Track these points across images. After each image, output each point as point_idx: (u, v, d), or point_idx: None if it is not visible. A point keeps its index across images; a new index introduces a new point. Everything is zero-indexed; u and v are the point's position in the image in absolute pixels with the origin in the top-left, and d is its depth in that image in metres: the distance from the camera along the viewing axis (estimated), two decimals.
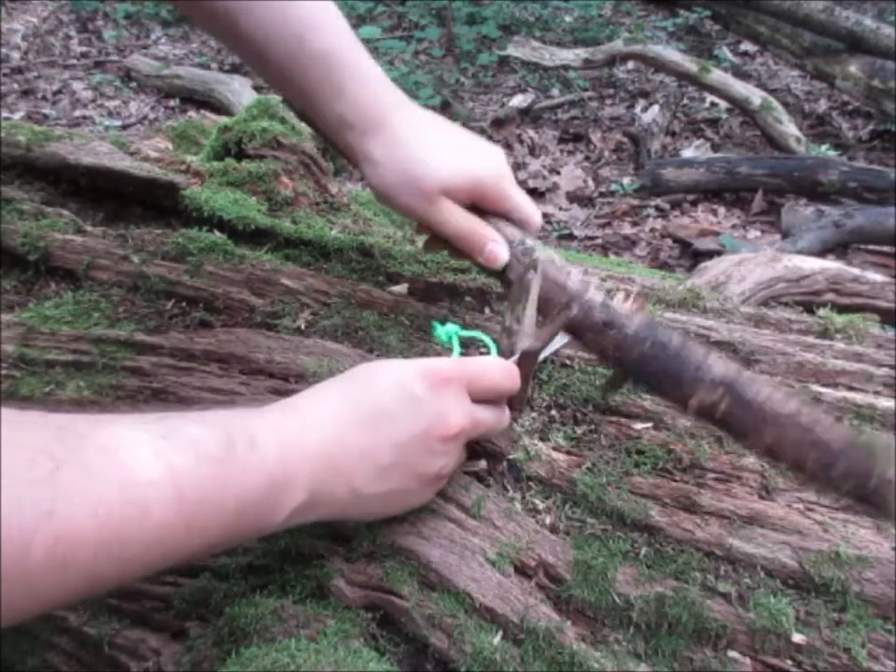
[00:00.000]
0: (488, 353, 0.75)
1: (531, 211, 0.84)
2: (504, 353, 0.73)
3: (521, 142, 3.76)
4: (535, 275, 0.74)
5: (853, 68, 3.71)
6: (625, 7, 5.19)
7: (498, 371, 0.69)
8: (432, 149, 0.79)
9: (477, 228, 0.79)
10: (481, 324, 0.92)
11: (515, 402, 0.74)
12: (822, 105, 4.13)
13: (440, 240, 0.83)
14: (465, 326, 0.80)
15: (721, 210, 3.19)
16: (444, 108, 3.92)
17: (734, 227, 3.06)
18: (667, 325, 0.78)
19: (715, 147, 3.72)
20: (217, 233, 0.99)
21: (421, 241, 0.93)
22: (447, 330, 0.77)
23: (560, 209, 3.27)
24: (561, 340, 0.77)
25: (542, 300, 0.74)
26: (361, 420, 0.61)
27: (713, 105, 4.09)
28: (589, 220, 3.18)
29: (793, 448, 0.62)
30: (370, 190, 0.87)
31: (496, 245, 0.79)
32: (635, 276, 1.06)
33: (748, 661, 0.65)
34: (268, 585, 0.67)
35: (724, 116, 3.97)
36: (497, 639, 0.63)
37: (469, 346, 0.82)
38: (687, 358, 0.67)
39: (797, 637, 0.64)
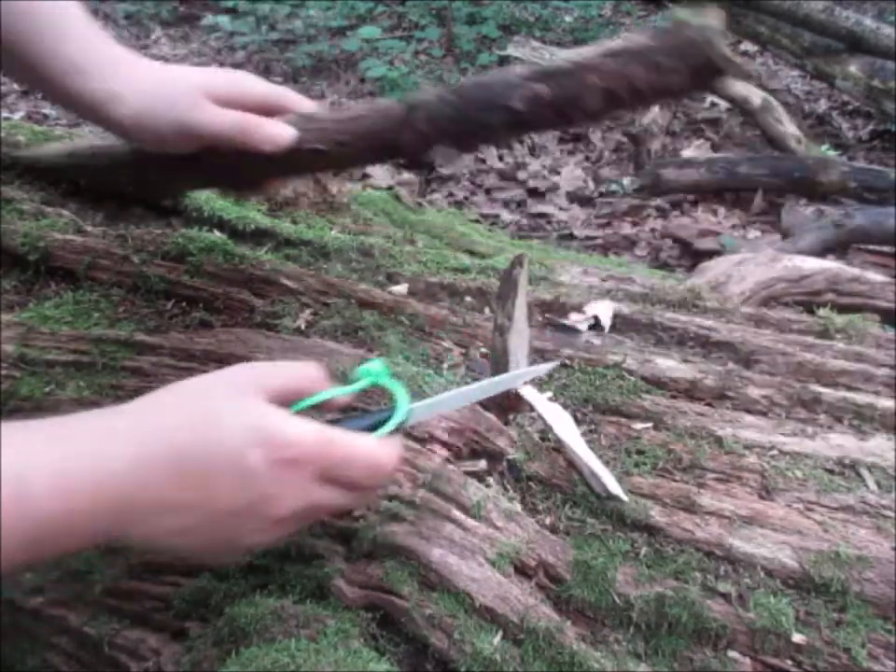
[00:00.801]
0: (388, 416, 0.62)
1: (292, 95, 0.84)
2: (497, 351, 0.73)
3: (521, 142, 3.76)
4: (521, 271, 0.74)
5: (853, 68, 3.70)
6: (625, 6, 5.18)
7: (365, 466, 0.58)
8: (180, 70, 0.81)
9: (250, 116, 0.78)
10: (480, 324, 0.92)
11: None
12: (822, 105, 4.12)
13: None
14: (463, 324, 0.79)
15: (721, 210, 3.18)
16: None
17: (734, 227, 3.06)
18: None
19: (715, 147, 3.71)
20: (217, 233, 0.99)
21: (421, 241, 0.92)
22: (367, 368, 0.65)
23: (560, 209, 3.26)
24: (546, 367, 0.77)
25: None
26: (179, 473, 0.53)
27: (713, 104, 4.08)
28: (589, 220, 3.18)
29: (619, 74, 0.65)
30: (114, 131, 0.82)
31: (276, 124, 0.78)
32: (635, 276, 1.06)
33: (748, 661, 0.65)
34: (268, 585, 0.67)
35: (724, 116, 3.97)
36: (497, 639, 0.63)
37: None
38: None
39: (797, 637, 0.64)
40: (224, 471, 0.54)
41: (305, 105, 0.83)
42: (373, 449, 0.59)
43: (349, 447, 0.57)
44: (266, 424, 0.55)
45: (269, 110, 0.80)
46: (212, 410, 0.56)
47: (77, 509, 0.50)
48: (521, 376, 0.74)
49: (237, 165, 0.81)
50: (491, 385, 0.72)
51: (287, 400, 0.59)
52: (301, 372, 0.62)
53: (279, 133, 0.78)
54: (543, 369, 0.77)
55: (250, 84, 0.82)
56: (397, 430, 0.62)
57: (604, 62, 0.64)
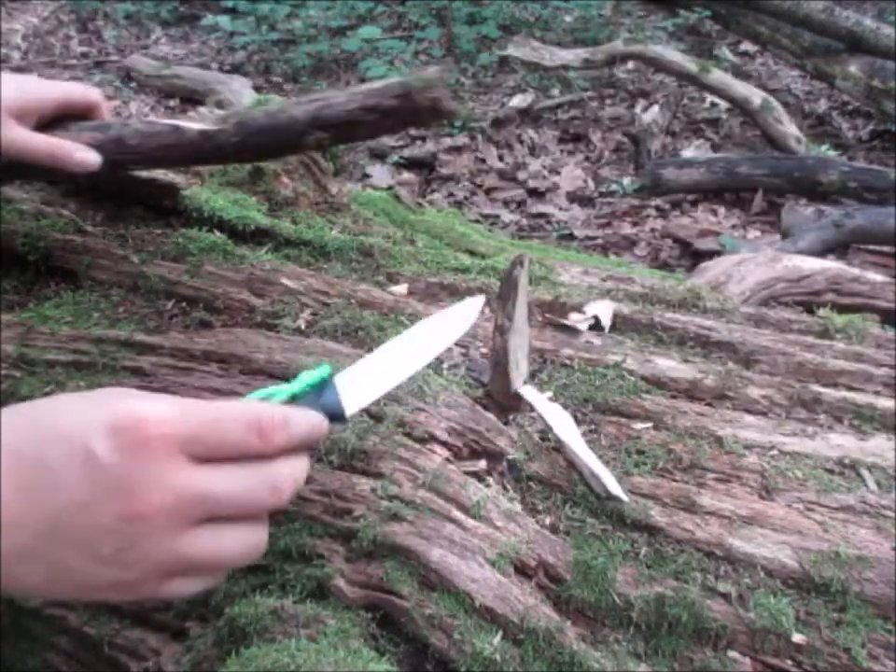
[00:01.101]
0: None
1: (91, 93, 0.86)
2: (497, 351, 0.73)
3: (521, 142, 3.76)
4: (522, 271, 0.74)
5: (853, 68, 3.70)
6: (625, 7, 5.18)
7: (238, 423, 0.48)
8: None
9: (59, 144, 0.81)
10: (480, 324, 0.92)
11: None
12: (822, 105, 4.12)
13: None
14: None
15: (721, 210, 3.18)
16: None
17: (734, 227, 3.06)
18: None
19: (715, 147, 3.72)
20: (217, 233, 0.99)
21: (421, 241, 0.93)
22: (311, 372, 0.57)
23: (560, 209, 3.26)
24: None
25: None
26: (17, 476, 0.44)
27: (713, 104, 4.09)
28: (589, 220, 3.18)
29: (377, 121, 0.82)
30: None
31: (85, 152, 0.81)
32: (635, 276, 1.06)
33: (748, 661, 0.65)
34: (268, 585, 0.67)
35: (724, 116, 3.97)
36: (497, 639, 0.63)
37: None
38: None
39: (797, 637, 0.64)
40: (63, 469, 0.44)
41: (103, 105, 0.86)
42: (247, 407, 0.50)
43: (216, 409, 0.49)
44: (113, 408, 0.46)
45: (72, 111, 0.83)
46: (55, 403, 0.48)
47: None
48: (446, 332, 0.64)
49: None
50: (420, 347, 0.63)
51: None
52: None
53: (87, 160, 0.81)
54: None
55: (44, 91, 0.82)
56: (336, 418, 0.56)
57: (365, 115, 0.82)
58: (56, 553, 0.45)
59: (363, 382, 0.59)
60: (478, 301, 0.66)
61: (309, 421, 0.52)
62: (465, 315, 0.65)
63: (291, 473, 0.50)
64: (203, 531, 0.47)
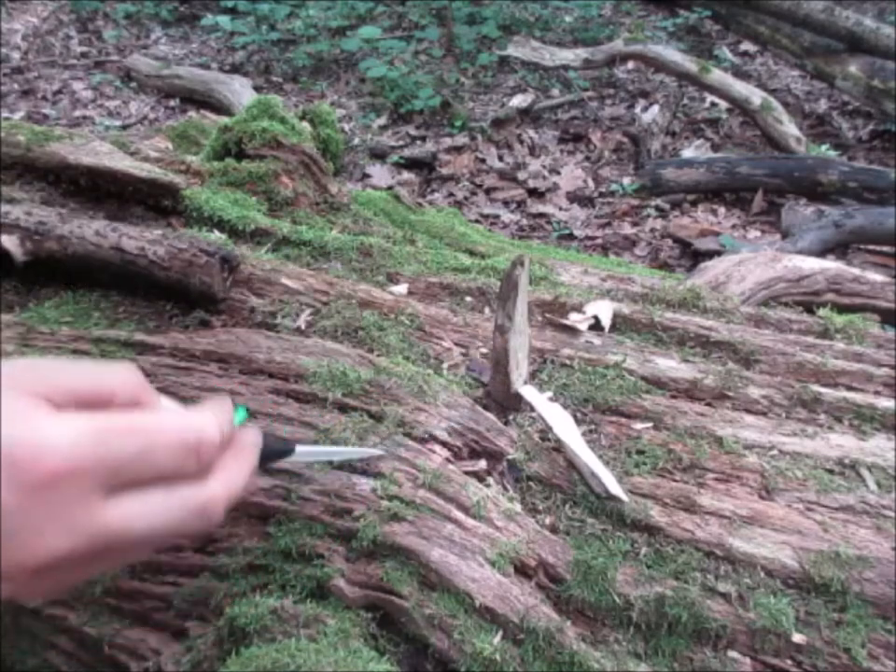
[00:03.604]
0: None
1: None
2: (497, 351, 0.73)
3: (521, 142, 3.76)
4: (522, 271, 0.74)
5: (853, 68, 3.71)
6: (625, 6, 5.18)
7: (172, 448, 0.42)
8: None
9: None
10: (480, 324, 0.92)
11: None
12: (822, 105, 4.12)
13: None
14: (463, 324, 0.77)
15: (721, 210, 3.19)
16: (444, 108, 3.92)
17: (734, 227, 3.06)
18: None
19: (715, 147, 3.72)
20: (217, 233, 0.99)
21: (421, 241, 0.93)
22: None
23: (560, 209, 3.27)
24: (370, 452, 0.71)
25: None
26: None
27: (713, 104, 4.09)
28: (589, 220, 3.18)
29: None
30: None
31: None
32: (635, 276, 1.06)
33: (748, 661, 0.64)
34: (268, 585, 0.67)
35: (724, 116, 3.97)
36: (497, 639, 0.63)
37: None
38: None
39: (797, 637, 0.64)
40: None
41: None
42: (184, 425, 0.43)
43: (145, 431, 0.41)
44: (8, 428, 0.38)
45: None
46: None
47: None
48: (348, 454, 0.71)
49: None
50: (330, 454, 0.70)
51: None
52: (104, 375, 0.43)
53: None
54: (367, 453, 0.71)
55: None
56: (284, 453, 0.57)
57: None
58: None
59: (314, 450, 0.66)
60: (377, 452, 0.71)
61: (252, 438, 0.48)
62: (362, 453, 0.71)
63: (226, 491, 0.44)
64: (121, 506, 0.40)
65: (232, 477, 0.45)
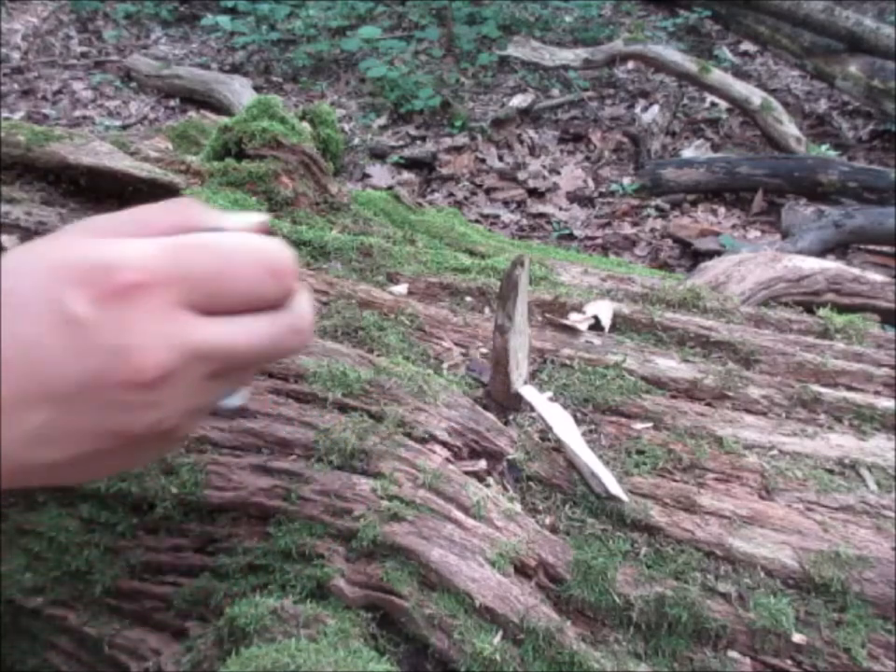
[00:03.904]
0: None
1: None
2: (497, 351, 0.73)
3: (521, 142, 3.76)
4: (522, 271, 0.74)
5: (853, 68, 3.71)
6: (625, 6, 5.19)
7: (248, 267, 0.40)
8: None
9: None
10: (480, 324, 0.92)
11: None
12: (822, 105, 4.13)
13: None
14: (463, 324, 0.78)
15: (721, 210, 3.19)
16: (444, 108, 3.92)
17: (734, 227, 3.06)
18: None
19: (715, 147, 3.72)
20: None
21: (421, 241, 0.93)
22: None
23: (560, 209, 3.27)
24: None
25: None
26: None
27: (713, 104, 4.09)
28: (589, 220, 3.18)
29: None
30: None
31: None
32: (635, 276, 1.06)
33: (748, 661, 0.64)
34: (268, 585, 0.67)
35: (724, 116, 3.97)
36: (497, 639, 0.63)
37: None
38: None
39: (797, 637, 0.64)
40: (49, 337, 0.36)
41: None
42: (256, 245, 0.41)
43: (218, 252, 0.40)
44: (78, 251, 0.38)
45: None
46: (14, 257, 0.39)
47: None
48: None
49: None
50: None
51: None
52: (169, 205, 0.43)
53: None
54: None
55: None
56: None
57: None
58: (71, 442, 0.39)
59: None
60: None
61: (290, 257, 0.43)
62: None
63: (308, 306, 0.43)
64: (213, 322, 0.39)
65: (305, 294, 0.44)
